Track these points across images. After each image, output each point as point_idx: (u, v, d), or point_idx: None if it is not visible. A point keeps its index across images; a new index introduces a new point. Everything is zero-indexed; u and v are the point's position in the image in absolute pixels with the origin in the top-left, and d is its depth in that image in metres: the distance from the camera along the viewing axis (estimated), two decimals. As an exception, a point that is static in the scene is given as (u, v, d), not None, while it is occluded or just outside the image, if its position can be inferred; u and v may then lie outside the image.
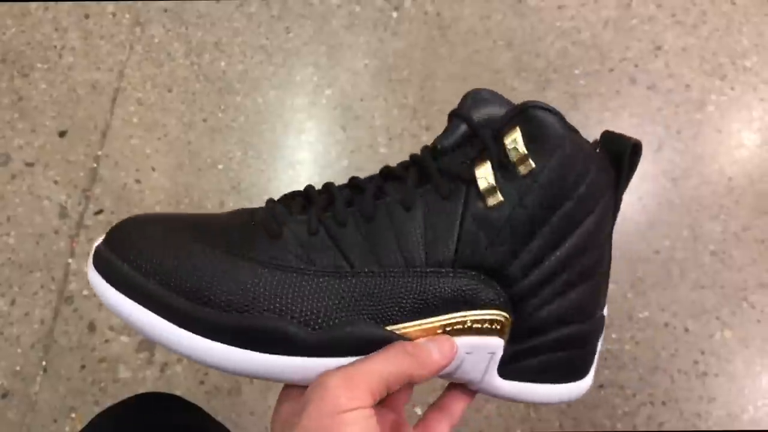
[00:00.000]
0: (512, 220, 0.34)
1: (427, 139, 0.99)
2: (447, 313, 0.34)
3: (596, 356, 0.40)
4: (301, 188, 0.38)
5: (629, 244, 0.94)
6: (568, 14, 1.08)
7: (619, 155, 0.35)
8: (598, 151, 0.36)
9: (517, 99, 0.36)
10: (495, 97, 0.38)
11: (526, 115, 0.34)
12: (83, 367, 0.90)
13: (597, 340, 0.39)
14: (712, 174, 0.98)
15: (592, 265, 0.36)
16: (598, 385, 0.87)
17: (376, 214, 0.34)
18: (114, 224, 0.35)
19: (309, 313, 0.32)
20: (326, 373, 0.31)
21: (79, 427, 0.86)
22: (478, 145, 0.35)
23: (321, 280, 0.32)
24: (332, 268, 0.33)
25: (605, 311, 0.40)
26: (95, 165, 1.01)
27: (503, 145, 0.34)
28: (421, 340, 0.33)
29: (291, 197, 0.37)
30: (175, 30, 1.11)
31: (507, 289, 0.35)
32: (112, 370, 0.90)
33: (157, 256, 0.33)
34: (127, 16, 1.12)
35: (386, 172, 0.37)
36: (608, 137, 0.36)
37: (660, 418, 0.86)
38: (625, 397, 0.87)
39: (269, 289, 0.32)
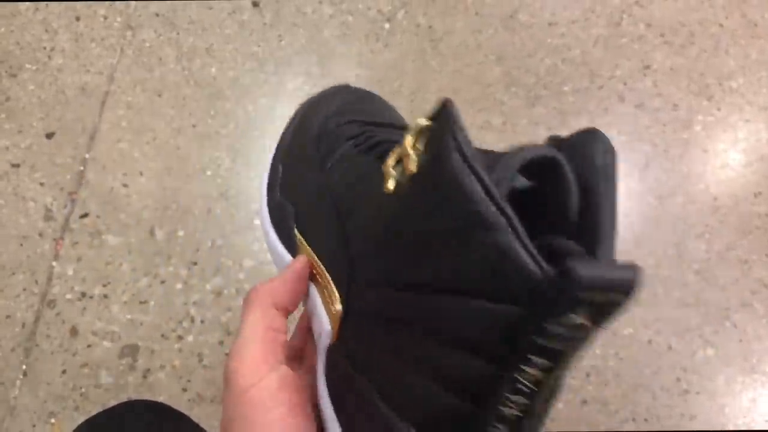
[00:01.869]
0: None
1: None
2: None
3: None
4: None
5: (615, 261, 0.94)
6: (558, 31, 1.09)
7: None
8: None
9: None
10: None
11: None
12: (64, 371, 0.89)
13: None
14: (697, 193, 0.99)
15: None
16: (581, 401, 0.87)
17: None
18: None
19: None
20: (228, 356, 0.31)
21: (59, 432, 0.85)
22: None
23: None
24: None
25: None
26: (82, 168, 1.01)
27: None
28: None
29: None
30: (166, 35, 1.10)
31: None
32: (93, 375, 0.89)
33: None
34: (119, 19, 1.12)
35: None
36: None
37: (642, 434, 0.87)
38: (608, 413, 0.87)
39: None
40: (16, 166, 1.01)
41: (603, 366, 0.89)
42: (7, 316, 0.92)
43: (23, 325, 0.91)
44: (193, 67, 1.08)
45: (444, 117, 0.26)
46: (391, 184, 0.28)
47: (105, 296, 0.93)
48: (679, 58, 1.07)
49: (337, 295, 0.32)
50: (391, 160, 0.28)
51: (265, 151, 1.02)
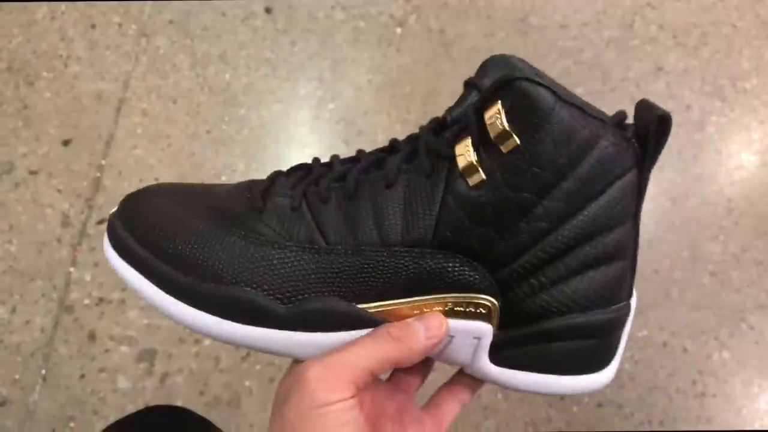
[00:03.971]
0: (496, 201, 0.31)
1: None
2: (423, 294, 0.33)
3: (620, 349, 0.37)
4: None
5: (629, 263, 0.94)
6: (570, 34, 1.09)
7: (646, 128, 0.31)
8: (622, 124, 0.32)
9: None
10: (522, 64, 0.35)
11: (510, 88, 0.30)
12: (83, 376, 0.90)
13: (619, 331, 0.36)
14: (711, 195, 0.98)
15: (610, 249, 0.33)
16: (596, 404, 0.87)
17: (357, 192, 0.33)
18: (128, 193, 0.37)
19: (280, 286, 0.32)
20: (307, 364, 0.31)
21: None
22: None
23: (294, 254, 0.32)
24: (307, 243, 0.32)
25: (633, 300, 0.36)
26: (98, 174, 1.02)
27: (483, 119, 0.31)
28: (410, 319, 0.33)
29: (296, 169, 0.37)
30: (180, 42, 1.11)
31: (493, 273, 0.32)
32: (111, 380, 0.90)
33: (151, 225, 0.34)
34: (133, 27, 1.13)
35: (391, 145, 0.36)
36: (639, 107, 0.32)
37: (657, 437, 0.87)
38: (624, 416, 0.87)
39: (244, 261, 0.32)
40: (34, 173, 1.02)
41: (618, 368, 0.89)
42: (27, 322, 0.93)
43: (42, 331, 0.93)
44: (207, 74, 1.09)
45: (502, 88, 0.31)
46: (476, 179, 0.31)
47: (122, 301, 0.94)
48: (692, 59, 1.07)
49: (487, 297, 0.33)
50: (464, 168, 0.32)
51: (278, 156, 1.03)
